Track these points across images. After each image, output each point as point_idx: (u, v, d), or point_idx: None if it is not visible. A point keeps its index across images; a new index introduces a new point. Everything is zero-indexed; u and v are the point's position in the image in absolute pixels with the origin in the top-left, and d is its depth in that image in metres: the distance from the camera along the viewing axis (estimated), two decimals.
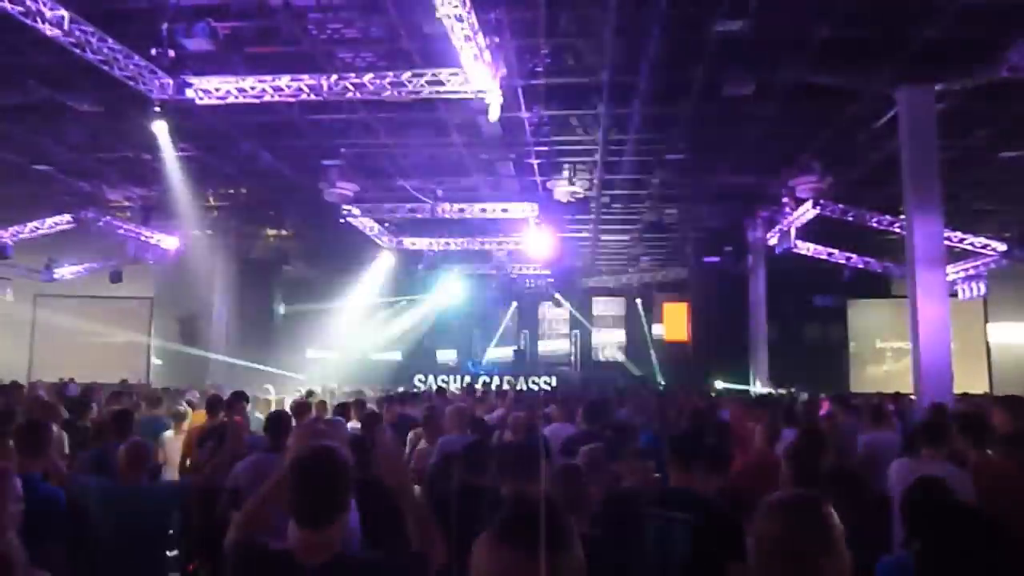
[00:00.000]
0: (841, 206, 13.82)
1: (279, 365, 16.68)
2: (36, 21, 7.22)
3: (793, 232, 14.89)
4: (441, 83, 8.90)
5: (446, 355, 22.87)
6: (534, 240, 16.47)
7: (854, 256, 17.42)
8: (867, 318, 20.94)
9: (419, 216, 15.75)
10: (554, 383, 19.37)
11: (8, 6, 6.90)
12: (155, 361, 20.04)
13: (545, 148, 12.78)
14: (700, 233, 18.60)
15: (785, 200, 14.15)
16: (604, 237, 19.32)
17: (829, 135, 11.58)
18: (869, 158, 12.25)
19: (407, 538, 2.23)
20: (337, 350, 20.54)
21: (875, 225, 14.24)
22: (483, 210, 15.54)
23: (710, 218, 17.29)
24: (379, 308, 21.86)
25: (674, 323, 22.40)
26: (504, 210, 15.57)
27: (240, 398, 6.52)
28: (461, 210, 15.46)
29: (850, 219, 14.08)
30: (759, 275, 17.77)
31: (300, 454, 2.23)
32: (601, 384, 17.82)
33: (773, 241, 15.83)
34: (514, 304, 22.47)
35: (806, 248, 16.17)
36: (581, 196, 14.73)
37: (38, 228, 16.19)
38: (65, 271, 18.33)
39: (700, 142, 12.31)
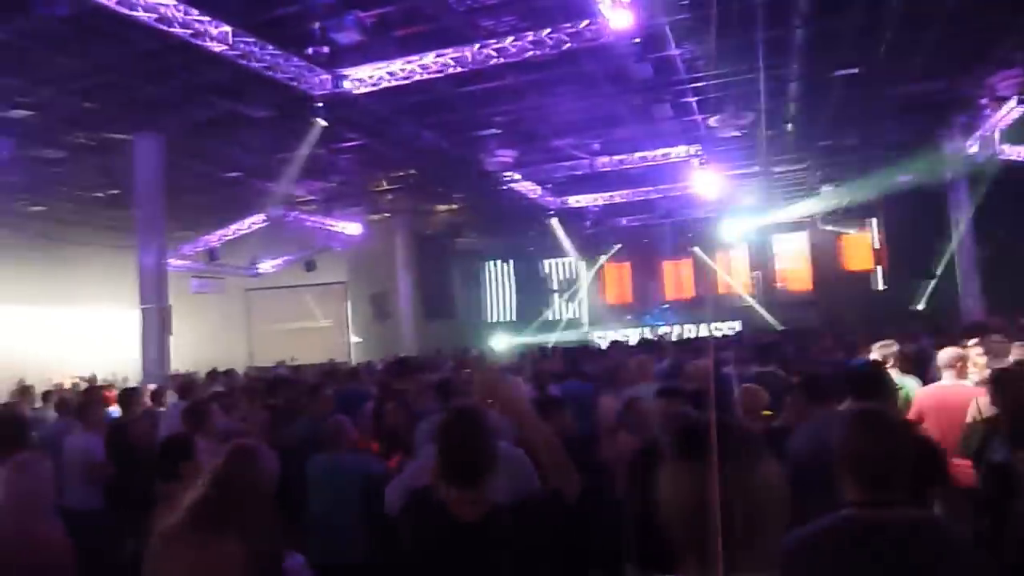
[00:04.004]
0: None
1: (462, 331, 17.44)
2: (204, 40, 7.88)
3: (997, 136, 13.23)
4: (582, 34, 8.73)
5: (623, 308, 22.72)
6: (701, 182, 15.87)
7: None
8: None
9: (579, 173, 15.67)
10: (738, 328, 18.67)
11: (179, 30, 7.57)
12: (354, 339, 21.61)
13: (702, 84, 12.19)
14: (886, 151, 17.01)
15: (984, 101, 12.58)
16: (777, 168, 18.20)
17: None
18: None
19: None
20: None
21: None
22: (643, 158, 15.16)
23: (896, 133, 15.73)
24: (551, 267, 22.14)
25: (857, 252, 20.85)
26: (665, 155, 15.09)
27: None
28: (620, 161, 15.18)
29: None
30: (960, 189, 16.02)
31: (445, 417, 2.33)
32: (791, 324, 16.96)
33: (974, 149, 14.17)
34: (695, 249, 21.80)
35: (1015, 152, 14.32)
36: (747, 128, 13.95)
37: (239, 229, 17.88)
38: (266, 265, 20.16)
39: (874, 51, 11.17)
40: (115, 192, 15.47)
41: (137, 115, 11.69)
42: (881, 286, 20.26)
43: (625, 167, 15.44)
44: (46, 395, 9.44)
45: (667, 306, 21.98)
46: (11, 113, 10.88)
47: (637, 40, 9.02)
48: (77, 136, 12.43)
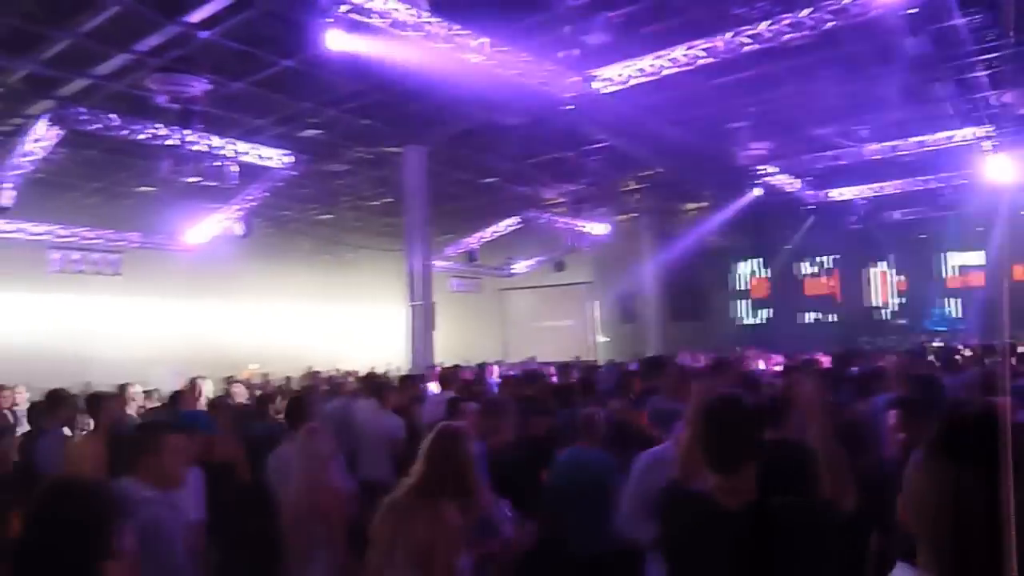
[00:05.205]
0: None
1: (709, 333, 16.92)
2: (463, 53, 8.39)
3: None
4: (847, 11, 8.02)
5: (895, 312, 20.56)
6: (993, 168, 13.88)
7: None
8: None
9: (843, 163, 14.44)
10: None
11: (443, 46, 8.13)
12: (600, 339, 21.87)
13: (994, 55, 10.66)
14: None
15: None
16: None
17: None
18: None
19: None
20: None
21: None
22: (920, 143, 13.60)
23: None
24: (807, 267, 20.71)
25: None
26: (948, 139, 13.41)
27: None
28: (892, 148, 13.74)
29: None
30: None
31: (708, 403, 2.34)
32: None
33: None
34: (986, 246, 19.14)
35: None
36: None
37: (495, 232, 18.89)
38: (519, 266, 21.09)
39: None
40: (389, 200, 17.07)
41: (406, 129, 12.79)
42: None
43: (898, 154, 13.94)
44: (328, 380, 10.64)
45: (948, 311, 19.53)
46: (304, 132, 12.43)
47: (912, 11, 8.10)
48: (357, 151, 13.89)
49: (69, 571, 1.40)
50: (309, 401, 5.26)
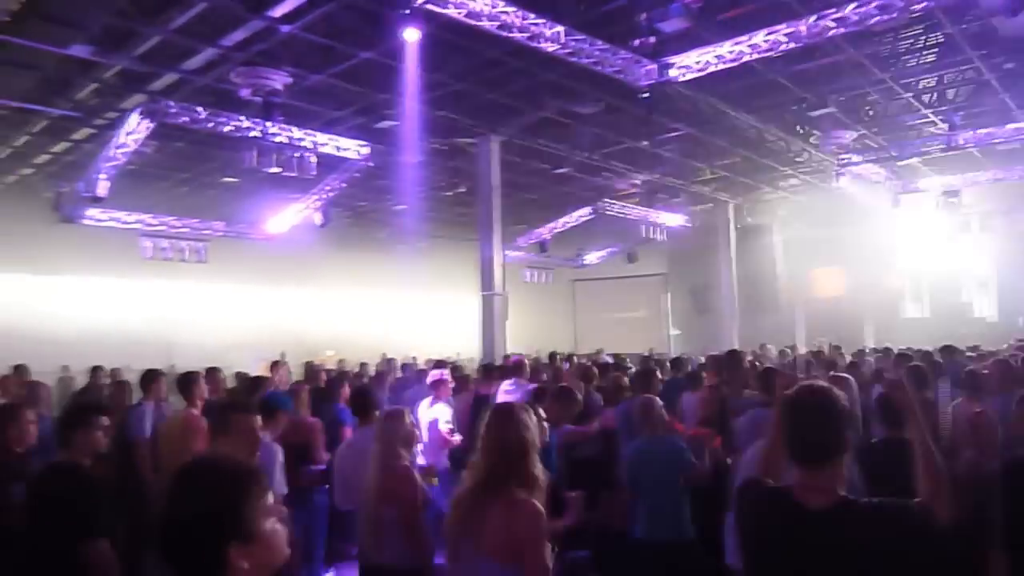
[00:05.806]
0: None
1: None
2: (539, 42, 8.36)
3: None
4: None
5: (984, 309, 19.55)
6: None
7: None
8: None
9: (933, 153, 13.80)
10: None
11: (517, 35, 8.12)
12: (673, 331, 21.56)
13: None
14: None
15: None
16: None
17: None
18: None
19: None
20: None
21: None
22: (1019, 131, 12.88)
23: None
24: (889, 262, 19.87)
25: None
26: None
27: None
28: (988, 135, 13.06)
29: None
30: None
31: (794, 394, 2.24)
32: None
33: None
34: None
35: None
36: None
37: (567, 222, 18.79)
38: (591, 257, 20.96)
39: None
40: (462, 191, 17.20)
41: (479, 120, 12.84)
42: None
43: (994, 142, 13.25)
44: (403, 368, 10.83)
45: None
46: (381, 124, 12.62)
47: None
48: (432, 142, 14.02)
49: (198, 552, 1.36)
50: (372, 391, 5.39)
